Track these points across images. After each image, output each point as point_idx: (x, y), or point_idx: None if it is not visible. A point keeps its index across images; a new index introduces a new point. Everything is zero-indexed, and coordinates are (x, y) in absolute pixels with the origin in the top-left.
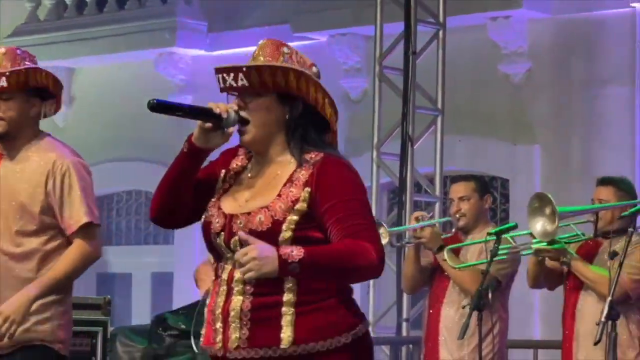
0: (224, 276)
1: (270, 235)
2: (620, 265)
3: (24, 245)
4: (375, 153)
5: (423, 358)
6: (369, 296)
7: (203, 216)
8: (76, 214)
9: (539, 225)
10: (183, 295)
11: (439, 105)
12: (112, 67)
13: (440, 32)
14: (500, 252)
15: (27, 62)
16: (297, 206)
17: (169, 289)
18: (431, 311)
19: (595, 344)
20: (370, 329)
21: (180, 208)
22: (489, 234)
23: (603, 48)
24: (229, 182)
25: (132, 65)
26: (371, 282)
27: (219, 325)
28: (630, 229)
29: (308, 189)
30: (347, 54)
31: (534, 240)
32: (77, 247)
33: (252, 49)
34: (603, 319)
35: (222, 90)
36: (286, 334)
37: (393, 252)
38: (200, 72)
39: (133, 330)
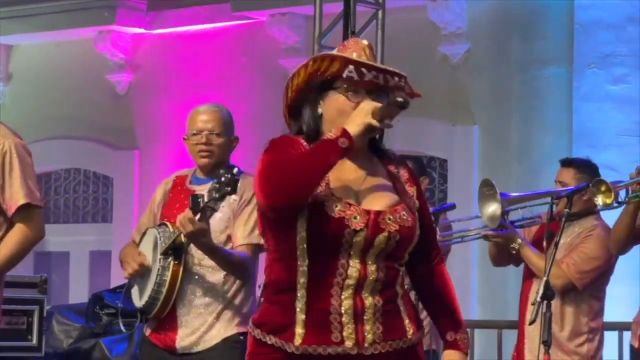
0: (353, 274)
1: (414, 229)
2: (556, 245)
3: None
4: None
5: None
6: None
7: (327, 211)
8: (15, 195)
9: (488, 210)
10: (121, 274)
11: None
12: (51, 44)
13: (380, 12)
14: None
15: None
16: (415, 203)
17: (107, 267)
18: None
19: (530, 323)
20: None
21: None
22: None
23: (541, 29)
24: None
25: (71, 43)
26: None
27: (346, 322)
28: (567, 210)
29: (414, 188)
30: (286, 34)
31: (483, 226)
32: (17, 232)
33: (192, 27)
34: (538, 299)
35: (378, 86)
36: (408, 324)
37: None
38: (139, 50)
39: (70, 308)
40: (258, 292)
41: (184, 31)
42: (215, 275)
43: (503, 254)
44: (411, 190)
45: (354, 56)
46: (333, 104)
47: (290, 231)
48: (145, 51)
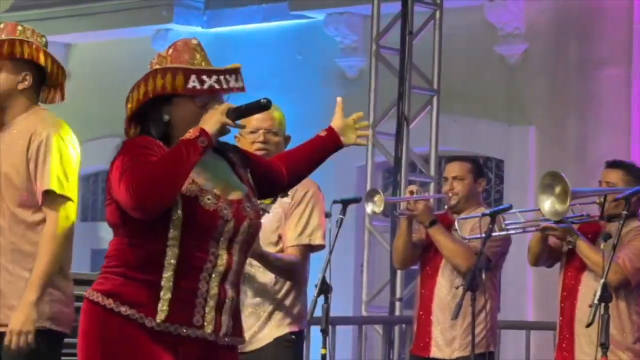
0: (222, 262)
1: (260, 217)
2: (614, 247)
3: (10, 218)
4: (370, 132)
5: (414, 337)
6: (362, 275)
7: (202, 204)
8: (44, 182)
9: (548, 203)
10: None
11: (435, 86)
12: (109, 43)
13: (437, 13)
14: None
15: (28, 38)
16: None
17: None
18: (423, 290)
19: (588, 326)
20: (363, 307)
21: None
22: (484, 214)
23: (599, 29)
24: None
25: (129, 41)
26: (364, 261)
27: (209, 309)
28: (624, 212)
29: (246, 169)
30: (344, 33)
31: (541, 218)
32: (47, 227)
33: (249, 26)
34: (596, 301)
35: (224, 91)
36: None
37: (387, 232)
38: None
39: None
40: (315, 291)
41: (241, 30)
42: (266, 275)
43: (547, 253)
44: (245, 174)
45: (186, 58)
46: (180, 110)
47: (159, 224)
48: None
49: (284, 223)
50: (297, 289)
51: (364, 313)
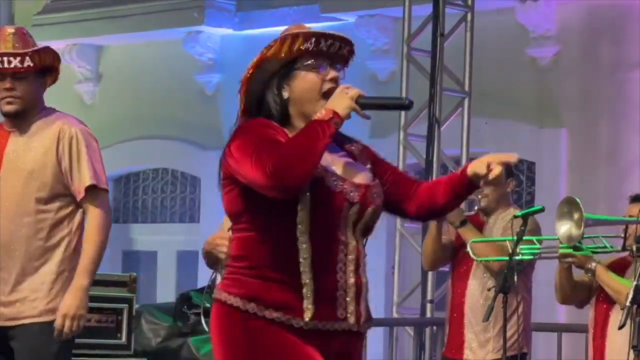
0: (352, 250)
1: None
2: None
3: (36, 213)
4: (402, 134)
5: (447, 340)
6: (393, 277)
7: (329, 186)
8: (83, 178)
9: (565, 228)
10: (208, 274)
11: (466, 88)
12: (141, 45)
13: (469, 15)
14: (524, 255)
15: (36, 42)
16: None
17: (194, 267)
18: (455, 293)
19: (620, 328)
20: (394, 309)
21: None
22: (515, 216)
23: (631, 32)
24: None
25: (160, 43)
26: (396, 263)
27: (350, 299)
28: None
29: (369, 160)
30: (375, 35)
31: (561, 246)
32: (93, 220)
33: (281, 28)
34: (628, 303)
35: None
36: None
37: (418, 234)
38: (228, 51)
39: (158, 307)
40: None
41: (273, 32)
42: None
43: (572, 288)
44: (368, 164)
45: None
46: (301, 83)
47: (286, 206)
48: (233, 51)
49: None
50: None
51: (395, 315)
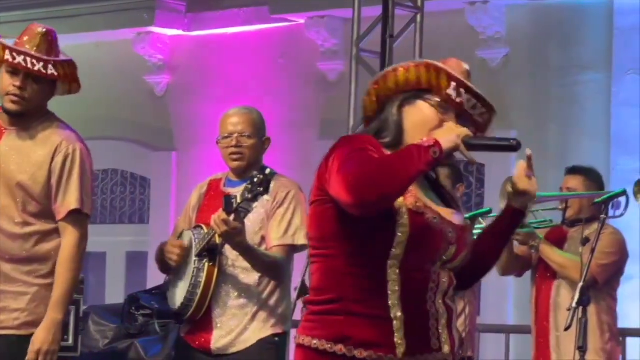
0: (444, 280)
1: None
2: (593, 251)
3: (23, 225)
4: (350, 134)
5: None
6: None
7: (428, 222)
8: (68, 199)
9: None
10: (157, 275)
11: None
12: (90, 45)
13: (418, 16)
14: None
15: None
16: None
17: (144, 268)
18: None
19: (566, 329)
20: None
21: None
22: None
23: (580, 34)
24: None
25: (110, 44)
26: None
27: (442, 328)
28: (603, 216)
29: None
30: (324, 37)
31: None
32: (70, 246)
33: (230, 30)
34: (574, 305)
35: (468, 115)
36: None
37: None
38: (178, 52)
39: (106, 309)
40: (294, 294)
41: (222, 33)
42: (250, 276)
43: (515, 262)
44: (460, 207)
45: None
46: (418, 112)
47: (381, 238)
48: (183, 53)
49: (266, 224)
50: (281, 290)
51: None
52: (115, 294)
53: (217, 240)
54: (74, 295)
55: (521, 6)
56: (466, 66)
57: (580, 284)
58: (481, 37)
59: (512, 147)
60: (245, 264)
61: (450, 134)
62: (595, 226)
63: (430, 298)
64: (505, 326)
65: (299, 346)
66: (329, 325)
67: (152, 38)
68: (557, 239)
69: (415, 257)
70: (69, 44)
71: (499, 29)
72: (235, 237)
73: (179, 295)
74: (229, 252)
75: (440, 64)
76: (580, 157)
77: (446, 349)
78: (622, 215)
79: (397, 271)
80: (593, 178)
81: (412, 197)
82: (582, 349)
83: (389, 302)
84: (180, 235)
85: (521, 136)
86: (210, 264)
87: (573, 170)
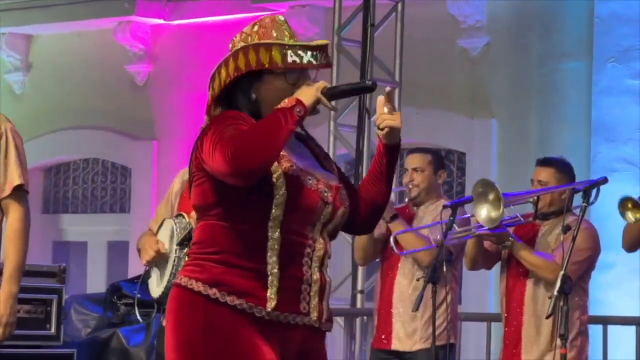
0: (320, 247)
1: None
2: (574, 239)
3: None
4: (332, 124)
5: (375, 330)
6: None
7: (304, 184)
8: (10, 176)
9: (484, 211)
10: (139, 264)
11: (397, 78)
12: (71, 34)
13: (399, 5)
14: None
15: None
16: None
17: (125, 257)
18: (383, 283)
19: (547, 317)
20: None
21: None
22: (445, 206)
23: (561, 23)
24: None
25: (90, 33)
26: None
27: (313, 295)
28: (584, 204)
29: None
30: (306, 26)
31: (476, 224)
32: (17, 221)
33: (212, 19)
34: (555, 293)
35: (319, 66)
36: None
37: None
38: (159, 41)
39: (88, 298)
40: None
41: (204, 22)
42: None
43: (483, 256)
44: (333, 166)
45: (274, 35)
46: (270, 87)
47: (260, 202)
48: (164, 42)
49: None
50: None
51: None
52: (96, 283)
53: None
54: (25, 267)
55: None
56: (281, 17)
57: (562, 272)
58: (462, 26)
59: (369, 87)
60: None
61: (308, 90)
62: (568, 218)
63: (306, 263)
64: (486, 314)
65: (176, 285)
66: (208, 271)
67: (133, 27)
68: (528, 232)
69: (295, 218)
70: (50, 33)
71: (479, 18)
72: None
73: (160, 284)
74: None
75: (262, 41)
76: (561, 145)
77: (314, 315)
78: (593, 203)
79: (278, 231)
80: (564, 169)
81: (287, 162)
82: (563, 336)
83: (267, 259)
84: (161, 224)
85: (502, 125)
86: None
87: (544, 162)
